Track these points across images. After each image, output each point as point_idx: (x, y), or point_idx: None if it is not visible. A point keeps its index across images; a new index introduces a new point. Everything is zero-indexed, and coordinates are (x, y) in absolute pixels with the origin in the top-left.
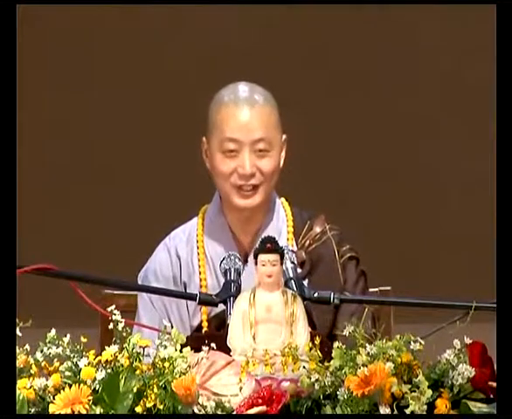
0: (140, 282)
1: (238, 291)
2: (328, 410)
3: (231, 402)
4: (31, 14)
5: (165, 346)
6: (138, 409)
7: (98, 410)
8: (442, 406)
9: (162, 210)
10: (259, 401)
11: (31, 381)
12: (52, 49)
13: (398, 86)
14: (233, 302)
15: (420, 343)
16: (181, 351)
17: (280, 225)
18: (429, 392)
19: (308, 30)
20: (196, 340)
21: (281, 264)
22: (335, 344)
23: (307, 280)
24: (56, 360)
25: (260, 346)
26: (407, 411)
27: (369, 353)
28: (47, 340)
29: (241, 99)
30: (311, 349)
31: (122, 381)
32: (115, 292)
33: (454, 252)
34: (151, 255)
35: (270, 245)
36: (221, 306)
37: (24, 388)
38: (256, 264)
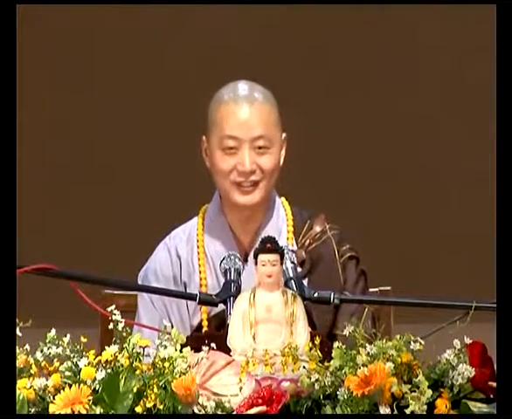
0: (140, 281)
1: (238, 291)
2: (328, 410)
3: (231, 402)
4: (31, 14)
5: (165, 346)
6: (138, 409)
7: (98, 410)
8: (442, 406)
9: (162, 210)
10: (259, 401)
11: (31, 381)
12: (52, 49)
13: (398, 86)
14: (233, 302)
15: (420, 343)
16: (181, 351)
17: (280, 224)
18: (429, 392)
19: (308, 30)
20: (196, 340)
21: (281, 264)
22: (335, 344)
23: (307, 279)
24: (56, 360)
25: (260, 346)
26: (407, 411)
27: (369, 353)
28: (47, 340)
29: (241, 96)
30: (311, 349)
31: (122, 381)
32: (115, 292)
33: (454, 252)
34: (151, 255)
35: (270, 245)
36: (221, 306)
37: (24, 388)
38: (256, 264)
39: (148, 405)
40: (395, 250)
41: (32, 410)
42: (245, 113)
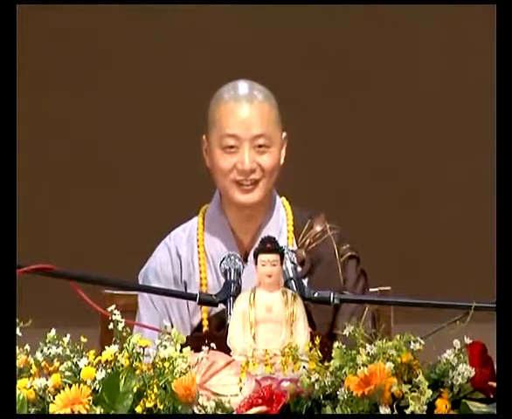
0: (140, 281)
1: (238, 291)
2: (328, 410)
3: (231, 402)
4: (31, 14)
5: (165, 346)
6: (138, 409)
7: (98, 410)
8: (442, 406)
9: (162, 210)
10: (259, 401)
11: (31, 381)
12: (52, 49)
13: (398, 86)
14: (233, 302)
15: (420, 343)
16: (181, 351)
17: (281, 224)
18: (429, 392)
19: (308, 30)
20: (196, 340)
21: (281, 263)
22: (335, 344)
23: (307, 279)
24: (56, 360)
25: (260, 346)
26: (407, 411)
27: (369, 353)
28: (47, 340)
29: (241, 95)
30: (311, 349)
31: (122, 381)
32: (115, 292)
33: (454, 252)
34: (151, 255)
35: (270, 245)
36: (221, 306)
37: (24, 388)
38: (256, 263)
39: (148, 405)
40: (395, 250)
41: (32, 410)
42: (245, 111)
